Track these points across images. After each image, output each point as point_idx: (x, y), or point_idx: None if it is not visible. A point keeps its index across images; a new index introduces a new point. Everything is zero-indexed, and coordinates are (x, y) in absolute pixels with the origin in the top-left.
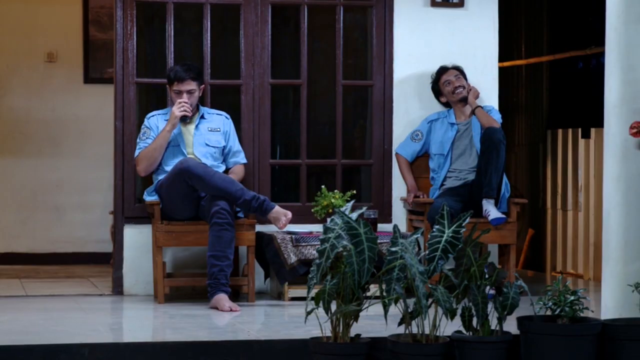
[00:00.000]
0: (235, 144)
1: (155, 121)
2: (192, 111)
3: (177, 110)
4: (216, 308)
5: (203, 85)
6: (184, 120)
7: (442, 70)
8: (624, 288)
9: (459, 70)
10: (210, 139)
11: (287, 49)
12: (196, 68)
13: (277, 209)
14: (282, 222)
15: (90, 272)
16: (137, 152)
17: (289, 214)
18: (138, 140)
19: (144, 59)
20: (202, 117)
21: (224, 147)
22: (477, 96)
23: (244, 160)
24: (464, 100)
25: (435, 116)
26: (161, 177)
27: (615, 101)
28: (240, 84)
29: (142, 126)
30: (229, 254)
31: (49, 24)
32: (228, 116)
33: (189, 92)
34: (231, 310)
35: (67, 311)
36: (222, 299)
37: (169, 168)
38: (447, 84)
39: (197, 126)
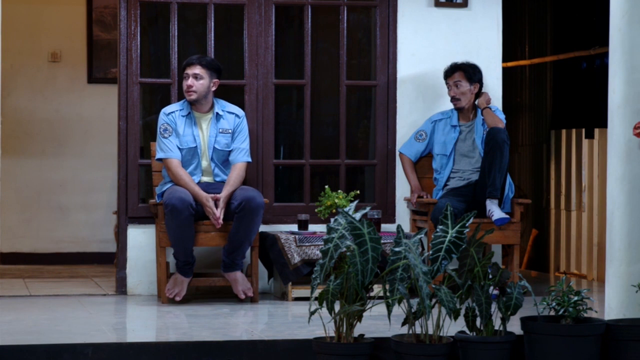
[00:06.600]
0: (240, 143)
1: (174, 118)
2: (199, 97)
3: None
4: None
5: (216, 80)
6: (194, 103)
7: (447, 74)
8: (628, 288)
9: (464, 70)
10: (220, 142)
11: (291, 49)
12: (211, 59)
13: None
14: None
15: (94, 272)
16: (160, 153)
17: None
18: (160, 136)
19: (147, 59)
20: (217, 115)
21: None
22: (488, 102)
23: (245, 159)
24: (462, 109)
25: (439, 116)
26: (166, 188)
27: (619, 101)
28: (244, 84)
29: (163, 122)
30: (252, 239)
31: (53, 24)
32: (240, 114)
33: (195, 75)
34: (245, 295)
35: (71, 311)
36: (240, 278)
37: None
38: (448, 88)
39: (210, 126)
